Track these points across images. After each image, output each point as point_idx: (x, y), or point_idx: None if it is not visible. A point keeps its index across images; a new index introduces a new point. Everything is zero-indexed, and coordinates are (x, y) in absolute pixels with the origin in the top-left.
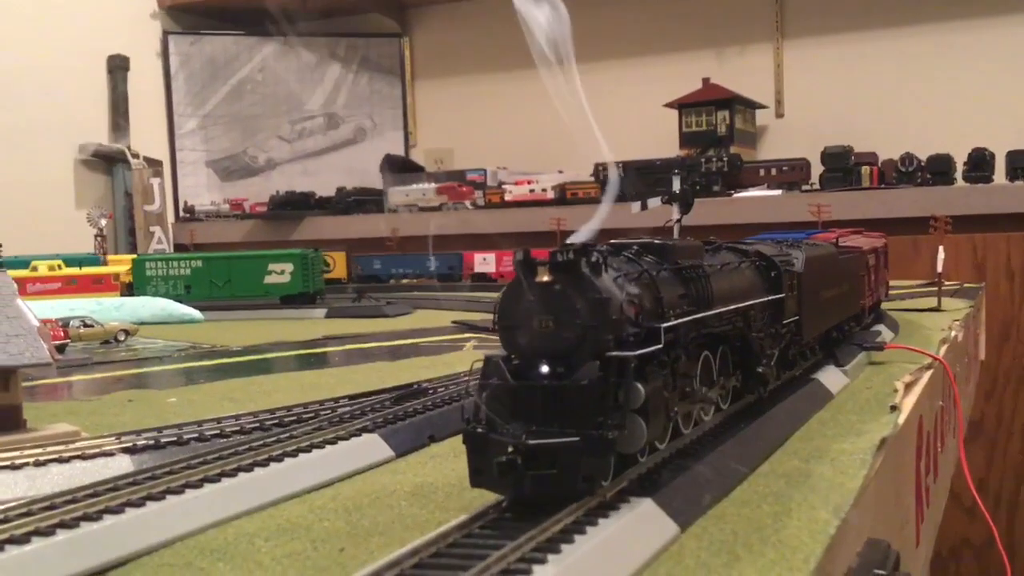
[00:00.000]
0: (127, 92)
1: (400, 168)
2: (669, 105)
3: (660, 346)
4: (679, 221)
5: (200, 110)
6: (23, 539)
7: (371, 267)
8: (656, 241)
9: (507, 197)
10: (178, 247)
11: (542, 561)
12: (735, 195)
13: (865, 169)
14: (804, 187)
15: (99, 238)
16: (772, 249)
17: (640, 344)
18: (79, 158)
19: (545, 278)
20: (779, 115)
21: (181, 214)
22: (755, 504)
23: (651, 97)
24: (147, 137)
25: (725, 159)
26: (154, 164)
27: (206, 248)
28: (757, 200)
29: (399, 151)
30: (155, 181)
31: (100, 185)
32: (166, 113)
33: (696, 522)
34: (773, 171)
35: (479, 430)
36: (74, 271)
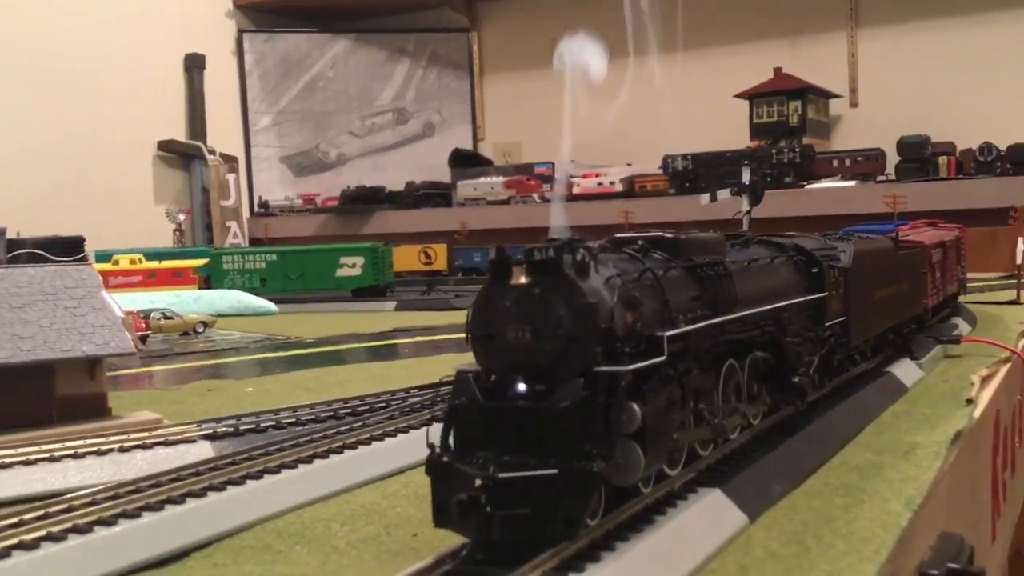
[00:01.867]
0: (203, 90)
1: (468, 162)
2: (740, 95)
3: (663, 358)
4: (748, 213)
5: (274, 107)
6: (111, 521)
7: (471, 259)
8: (666, 235)
9: (575, 190)
10: (253, 241)
11: (612, 548)
12: (807, 186)
13: (942, 159)
14: (879, 178)
15: (177, 233)
16: (814, 243)
17: (639, 356)
18: (157, 155)
19: (522, 280)
20: (853, 104)
21: (256, 209)
22: (826, 496)
23: (721, 88)
24: (223, 134)
25: (797, 150)
26: (230, 160)
27: (280, 242)
28: (830, 191)
29: (467, 145)
30: (231, 177)
31: (178, 181)
32: (241, 110)
33: (765, 513)
34: (847, 162)
35: (444, 459)
36: (154, 265)
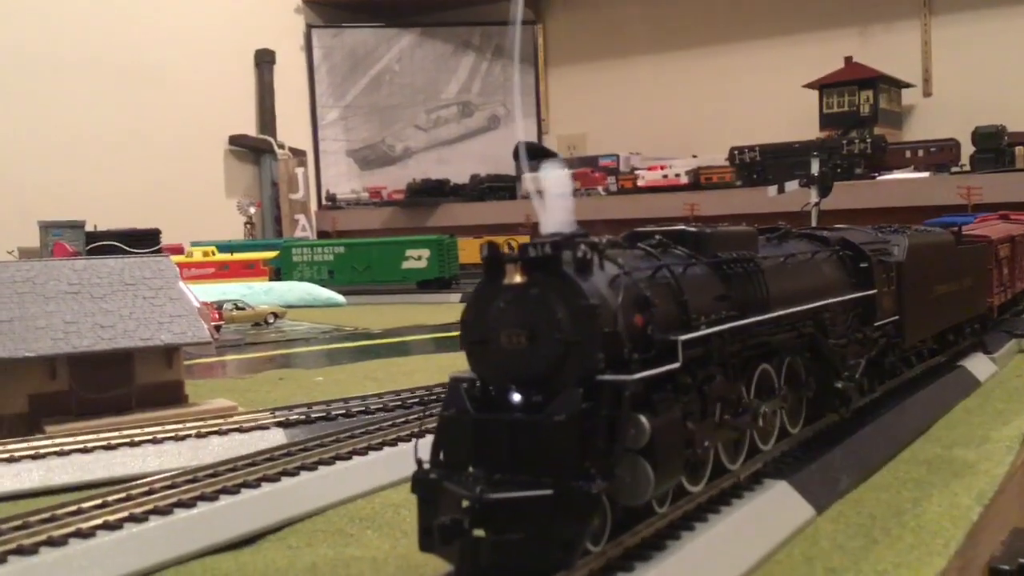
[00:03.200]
0: (273, 85)
1: (533, 155)
2: (809, 85)
3: (677, 365)
4: (817, 205)
5: (341, 101)
6: (190, 503)
7: None
8: (688, 228)
9: (640, 183)
10: (321, 234)
11: (676, 537)
12: (879, 178)
13: (1019, 150)
14: (953, 169)
15: (248, 225)
16: (864, 236)
17: (650, 363)
18: (229, 149)
19: (517, 279)
20: (927, 94)
21: (323, 202)
22: (894, 489)
23: (790, 78)
24: (292, 128)
25: (868, 140)
26: (298, 154)
27: (347, 235)
28: (903, 183)
29: (532, 138)
30: (299, 170)
31: (248, 175)
32: (309, 105)
33: (833, 505)
34: (920, 152)
35: (432, 475)
36: (226, 257)
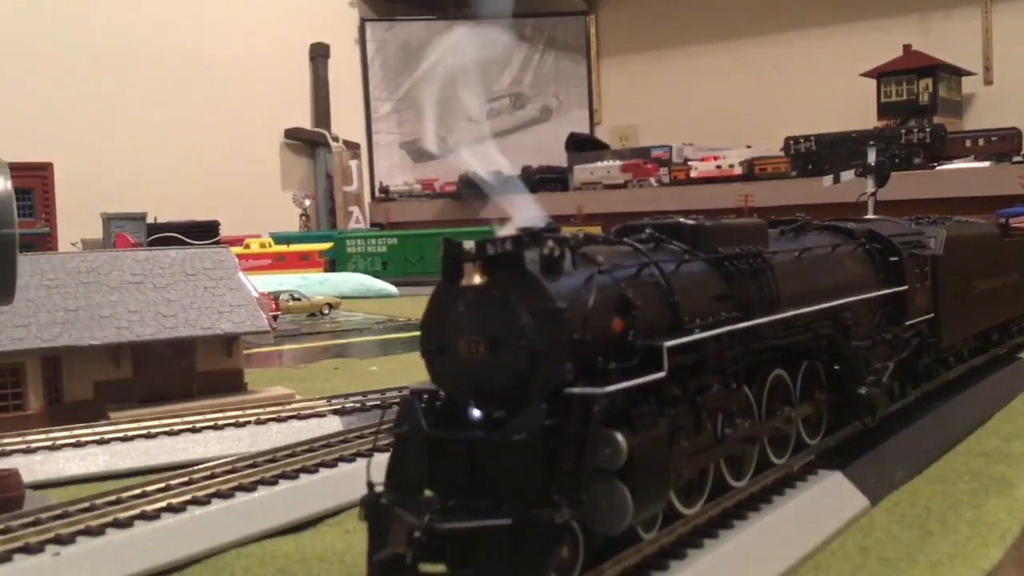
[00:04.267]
0: (328, 78)
1: (585, 146)
2: (867, 74)
3: (662, 374)
4: (874, 195)
5: (394, 94)
6: (250, 487)
7: None
8: (685, 221)
9: (693, 174)
10: (374, 226)
11: (730, 526)
12: (938, 167)
13: None
14: (1015, 158)
15: (304, 217)
16: (896, 227)
17: (631, 372)
18: (284, 143)
19: (475, 280)
20: (988, 82)
21: (377, 194)
22: (951, 481)
23: (847, 66)
24: (346, 121)
25: (927, 130)
26: (352, 147)
27: (400, 227)
28: (963, 172)
29: (584, 129)
30: (353, 163)
31: (304, 168)
32: (363, 98)
33: (888, 497)
34: (980, 141)
35: (382, 500)
36: (282, 248)
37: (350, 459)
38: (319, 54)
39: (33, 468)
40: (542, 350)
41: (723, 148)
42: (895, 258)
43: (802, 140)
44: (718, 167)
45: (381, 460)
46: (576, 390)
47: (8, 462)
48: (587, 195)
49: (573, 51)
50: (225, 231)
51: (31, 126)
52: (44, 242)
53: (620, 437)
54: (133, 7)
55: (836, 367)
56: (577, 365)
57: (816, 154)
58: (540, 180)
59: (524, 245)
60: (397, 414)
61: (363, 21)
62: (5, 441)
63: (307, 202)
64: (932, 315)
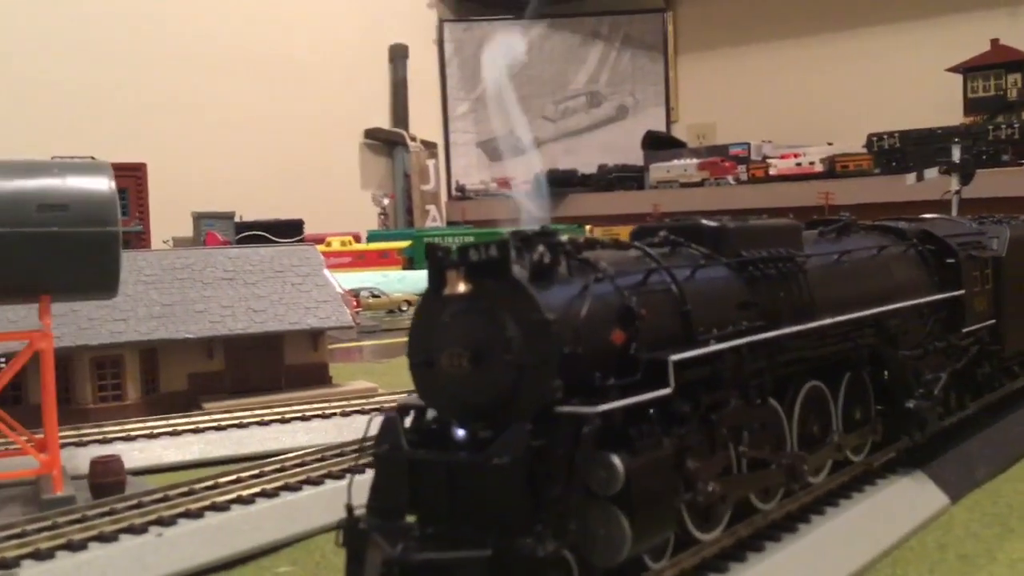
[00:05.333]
0: (406, 79)
1: (661, 144)
2: (952, 69)
3: (668, 391)
4: (958, 193)
5: (471, 93)
6: (339, 475)
7: None
8: (707, 222)
9: (772, 171)
10: (451, 224)
11: (807, 521)
12: None
13: None
14: None
15: (382, 216)
16: (954, 227)
17: (633, 388)
18: (364, 143)
19: (460, 288)
20: None
21: (453, 193)
22: None
23: (932, 61)
24: (423, 121)
25: (1016, 126)
26: (430, 146)
27: (476, 225)
28: None
29: (660, 127)
30: (431, 162)
31: (382, 167)
32: (440, 97)
33: (968, 495)
34: None
35: (361, 525)
36: (362, 246)
37: None
38: (398, 55)
39: (132, 455)
40: (529, 365)
41: (803, 145)
42: (951, 260)
43: (885, 137)
44: (798, 164)
45: (365, 480)
46: (566, 409)
47: (110, 449)
48: (663, 194)
49: (650, 48)
50: (308, 229)
51: (124, 128)
52: (138, 240)
53: (616, 460)
54: (219, 13)
55: (884, 378)
56: (569, 381)
57: (900, 151)
58: (616, 179)
59: (510, 251)
60: (378, 432)
61: (441, 22)
62: (106, 429)
63: (386, 201)
64: (993, 321)
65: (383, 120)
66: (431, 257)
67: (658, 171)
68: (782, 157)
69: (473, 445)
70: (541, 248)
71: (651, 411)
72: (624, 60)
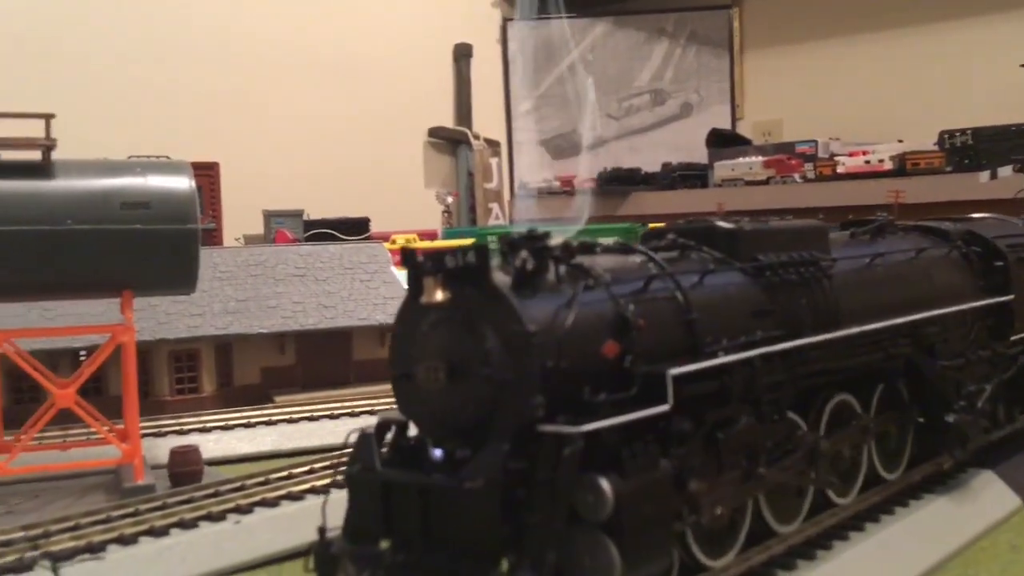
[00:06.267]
0: (470, 77)
1: (726, 142)
2: None
3: (665, 407)
4: None
5: (534, 92)
6: None
7: None
8: (723, 224)
9: (839, 169)
10: (513, 222)
11: (876, 520)
12: None
13: None
14: None
15: (446, 214)
16: (1003, 227)
17: (626, 405)
18: (428, 141)
19: (437, 297)
20: None
21: (516, 191)
22: None
23: (1008, 56)
24: (487, 119)
25: None
26: (493, 145)
27: (539, 223)
28: None
29: (725, 125)
30: (494, 161)
31: (446, 165)
32: (504, 96)
33: None
34: None
35: (332, 549)
36: (426, 244)
37: None
38: (462, 54)
39: (208, 446)
40: (508, 380)
41: (872, 143)
42: (1000, 263)
43: (958, 134)
44: (867, 162)
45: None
46: (548, 428)
47: (186, 440)
48: (727, 192)
49: (716, 45)
50: (373, 227)
51: (196, 128)
52: (211, 237)
53: (605, 483)
54: (286, 14)
55: (921, 390)
56: (554, 398)
57: (973, 148)
58: (680, 177)
59: (489, 257)
60: (352, 449)
61: (505, 21)
62: (183, 421)
63: (449, 199)
64: None
65: (447, 119)
66: (406, 262)
67: (722, 169)
68: (850, 155)
69: (450, 466)
70: (524, 254)
71: (654, 429)
72: (689, 57)
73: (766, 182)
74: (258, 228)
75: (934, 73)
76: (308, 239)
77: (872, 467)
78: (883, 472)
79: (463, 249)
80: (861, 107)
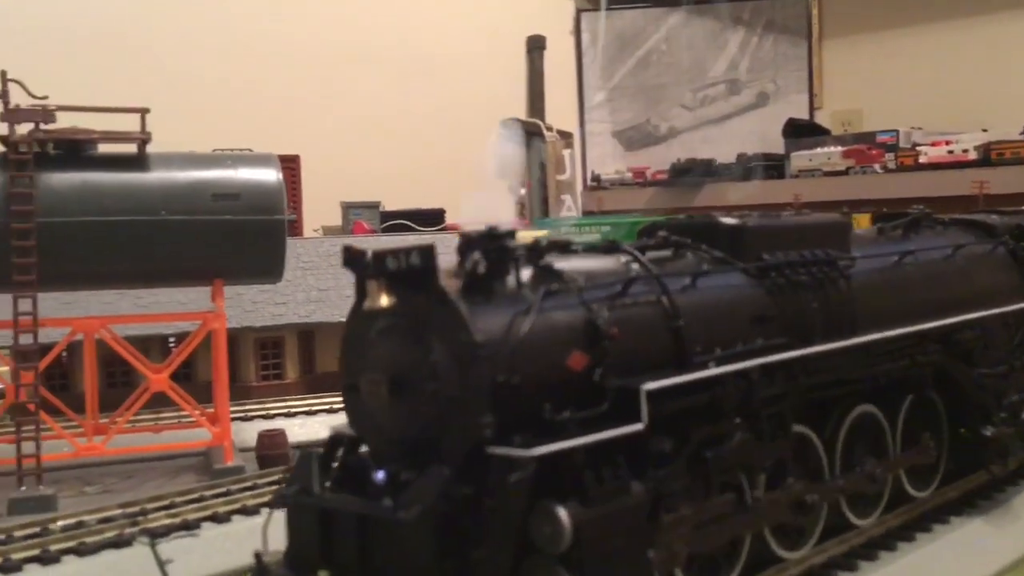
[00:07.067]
0: (543, 69)
1: (803, 132)
2: None
3: (639, 426)
4: None
5: (608, 83)
6: None
7: None
8: (726, 220)
9: (922, 159)
10: (586, 214)
11: (893, 548)
12: None
13: None
14: None
15: (518, 205)
16: None
17: (596, 423)
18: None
19: (382, 302)
20: None
21: (588, 183)
22: None
23: None
24: (559, 111)
25: None
26: (565, 136)
27: (612, 215)
28: None
29: (803, 114)
30: (566, 152)
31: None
32: (577, 87)
33: None
34: None
35: None
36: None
37: None
38: (535, 46)
39: (293, 430)
40: (455, 396)
41: (956, 132)
42: None
43: None
44: (950, 152)
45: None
46: (498, 450)
47: (272, 424)
48: (805, 183)
49: (793, 33)
50: (448, 218)
51: (277, 122)
52: (291, 228)
53: (563, 512)
54: (362, 11)
55: (958, 400)
56: (509, 416)
57: None
58: (755, 168)
59: (435, 258)
60: (293, 470)
61: (578, 12)
62: (268, 405)
63: (522, 191)
64: None
65: (520, 111)
66: (348, 262)
67: (800, 159)
68: (933, 144)
69: (393, 490)
70: (476, 255)
71: (630, 449)
72: (766, 46)
73: (845, 172)
74: (336, 219)
75: (1020, 59)
76: (385, 230)
77: (899, 484)
78: (911, 490)
79: (406, 250)
80: (944, 95)
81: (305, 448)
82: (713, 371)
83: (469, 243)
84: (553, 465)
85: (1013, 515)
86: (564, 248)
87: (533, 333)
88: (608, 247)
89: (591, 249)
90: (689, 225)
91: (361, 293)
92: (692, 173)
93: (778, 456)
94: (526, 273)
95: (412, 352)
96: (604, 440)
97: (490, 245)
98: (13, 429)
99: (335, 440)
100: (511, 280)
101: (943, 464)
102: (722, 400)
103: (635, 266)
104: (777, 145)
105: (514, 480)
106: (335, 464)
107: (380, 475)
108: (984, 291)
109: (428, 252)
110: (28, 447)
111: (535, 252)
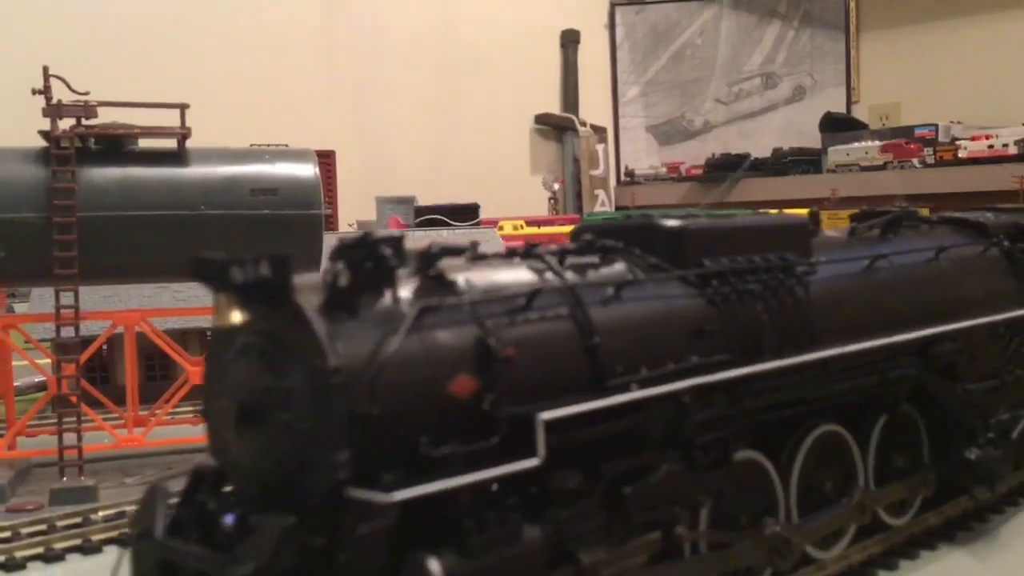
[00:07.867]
0: (577, 64)
1: (841, 126)
2: None
3: (534, 461)
4: None
5: (642, 77)
6: None
7: None
8: (665, 221)
9: (961, 154)
10: (619, 209)
11: (1000, 512)
12: None
13: None
14: None
15: (552, 201)
16: None
17: (484, 458)
18: (535, 128)
19: (234, 317)
20: None
21: (622, 178)
22: None
23: None
24: (593, 105)
25: None
26: (599, 131)
27: (646, 210)
28: None
29: (840, 108)
30: (600, 147)
31: (552, 152)
32: (611, 82)
33: None
34: None
35: None
36: (533, 231)
37: None
38: (569, 40)
39: None
40: (310, 429)
41: (996, 126)
42: None
43: None
44: (990, 147)
45: None
46: (357, 494)
47: None
48: (841, 177)
49: (830, 27)
50: (482, 213)
51: (313, 117)
52: (327, 223)
53: (435, 565)
54: (396, 7)
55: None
56: (376, 451)
57: None
58: (791, 162)
59: (290, 269)
60: (139, 506)
61: (613, 6)
62: None
63: (556, 186)
64: None
65: (553, 105)
66: (196, 274)
67: (837, 154)
68: (973, 139)
69: (240, 537)
70: (339, 266)
71: (529, 486)
72: (802, 39)
73: (883, 167)
74: (371, 214)
75: None
76: (419, 225)
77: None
78: (886, 517)
79: (254, 260)
80: (984, 89)
81: (158, 479)
82: (630, 395)
83: (339, 251)
84: (431, 509)
85: (1001, 545)
86: (454, 253)
87: (403, 355)
88: (523, 253)
89: (497, 257)
90: (623, 227)
91: (216, 311)
92: (727, 168)
93: (716, 488)
94: (409, 286)
95: (265, 377)
96: (489, 479)
97: (362, 253)
98: (55, 420)
99: (199, 474)
100: (387, 295)
101: (919, 489)
102: (645, 427)
103: (548, 275)
104: (814, 140)
105: (364, 532)
106: (188, 504)
107: (228, 519)
108: (972, 297)
109: (282, 262)
110: (70, 438)
111: (425, 261)
